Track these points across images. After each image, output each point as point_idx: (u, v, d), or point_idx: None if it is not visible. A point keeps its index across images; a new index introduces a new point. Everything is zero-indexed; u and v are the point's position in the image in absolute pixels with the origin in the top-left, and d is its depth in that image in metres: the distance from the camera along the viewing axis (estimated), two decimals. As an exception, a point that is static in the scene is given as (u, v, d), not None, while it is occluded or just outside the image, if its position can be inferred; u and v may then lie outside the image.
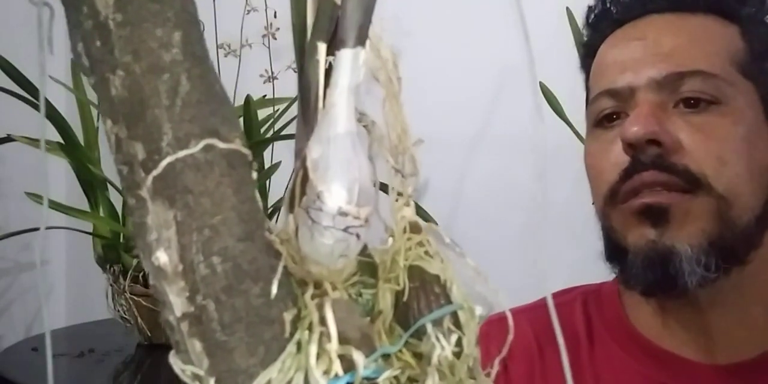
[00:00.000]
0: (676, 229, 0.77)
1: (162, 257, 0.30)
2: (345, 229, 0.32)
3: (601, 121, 0.84)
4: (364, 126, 0.35)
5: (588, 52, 0.91)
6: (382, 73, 0.35)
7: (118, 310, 1.61)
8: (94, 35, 0.31)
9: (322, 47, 0.34)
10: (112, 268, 1.61)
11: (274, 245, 0.32)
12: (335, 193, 0.31)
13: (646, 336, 0.87)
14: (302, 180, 0.32)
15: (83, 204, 1.61)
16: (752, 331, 0.82)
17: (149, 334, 1.59)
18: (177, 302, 0.31)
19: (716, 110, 0.79)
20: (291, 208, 0.33)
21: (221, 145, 0.31)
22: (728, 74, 0.80)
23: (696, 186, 0.77)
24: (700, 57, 0.80)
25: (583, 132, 0.93)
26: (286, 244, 0.32)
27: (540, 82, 1.31)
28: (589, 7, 0.91)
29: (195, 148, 0.30)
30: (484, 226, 1.55)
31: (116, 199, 1.61)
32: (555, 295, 0.94)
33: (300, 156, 0.34)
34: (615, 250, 0.83)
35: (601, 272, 0.93)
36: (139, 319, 1.58)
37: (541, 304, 0.94)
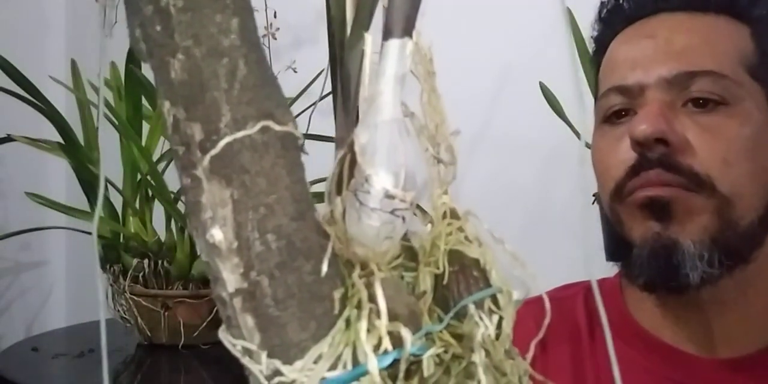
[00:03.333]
0: (679, 224, 0.78)
1: (217, 235, 0.31)
2: (391, 212, 0.33)
3: (610, 117, 0.85)
4: (404, 117, 0.36)
5: (599, 47, 0.91)
6: (422, 67, 0.36)
7: (118, 310, 1.61)
8: (154, 20, 0.32)
9: (368, 38, 0.35)
10: (112, 268, 1.61)
11: (322, 226, 0.33)
12: (383, 176, 0.32)
13: (648, 330, 0.87)
14: (350, 164, 0.33)
15: (83, 204, 1.61)
16: (753, 327, 0.83)
17: (149, 334, 1.59)
18: (230, 279, 0.32)
19: (724, 111, 0.79)
20: (338, 191, 0.34)
21: (276, 127, 0.32)
22: (737, 75, 0.80)
23: (700, 187, 0.77)
24: (710, 57, 0.81)
25: (582, 131, 0.94)
26: (333, 226, 0.33)
27: (540, 82, 1.32)
28: (602, 2, 0.91)
29: (252, 130, 0.31)
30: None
31: (116, 199, 1.62)
32: (557, 290, 0.96)
33: (341, 143, 0.35)
34: (620, 244, 0.84)
35: (600, 271, 0.94)
36: (139, 319, 1.58)
37: (542, 298, 0.95)
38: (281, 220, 0.32)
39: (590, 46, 0.94)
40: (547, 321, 0.38)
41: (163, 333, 1.58)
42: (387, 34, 0.34)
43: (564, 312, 0.93)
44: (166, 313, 1.57)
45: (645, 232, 0.80)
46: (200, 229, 0.32)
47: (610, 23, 0.90)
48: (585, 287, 0.96)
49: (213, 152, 0.31)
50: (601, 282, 0.95)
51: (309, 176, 0.37)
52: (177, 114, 0.32)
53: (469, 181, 1.60)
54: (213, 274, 0.32)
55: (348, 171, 0.33)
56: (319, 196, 0.34)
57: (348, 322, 0.32)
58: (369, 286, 0.32)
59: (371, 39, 0.35)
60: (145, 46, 0.32)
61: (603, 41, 0.90)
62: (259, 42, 0.33)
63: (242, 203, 0.31)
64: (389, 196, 0.32)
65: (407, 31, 0.34)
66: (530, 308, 0.94)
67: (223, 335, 0.33)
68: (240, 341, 0.32)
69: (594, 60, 0.92)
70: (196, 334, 1.55)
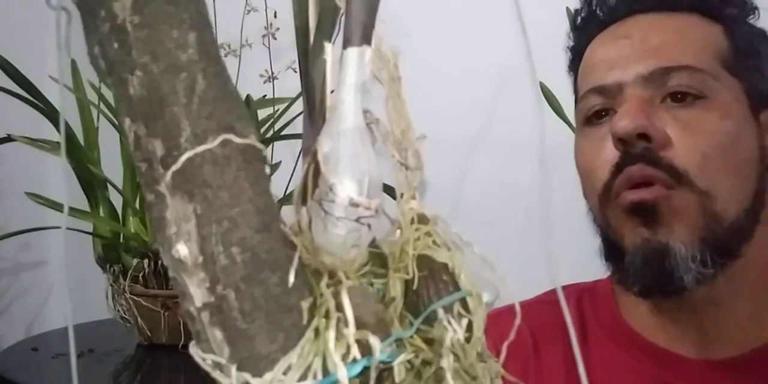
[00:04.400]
0: (667, 227, 0.78)
1: (182, 250, 0.31)
2: (357, 220, 0.33)
3: (590, 118, 0.86)
4: (368, 123, 0.36)
5: (575, 54, 0.93)
6: (385, 72, 0.37)
7: (118, 310, 1.61)
8: (111, 38, 0.32)
9: (328, 47, 0.36)
10: (112, 268, 1.62)
11: (288, 237, 0.33)
12: (346, 185, 0.33)
13: (639, 332, 0.88)
14: (314, 173, 0.34)
15: (83, 204, 1.61)
16: (744, 326, 0.84)
17: (149, 334, 1.60)
18: (197, 293, 0.32)
19: (702, 104, 0.80)
20: (303, 201, 0.34)
21: (237, 140, 0.32)
22: (714, 69, 0.81)
23: (678, 181, 0.78)
24: (686, 52, 0.82)
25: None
26: (300, 236, 0.33)
27: (540, 82, 1.32)
28: (576, 11, 0.93)
29: (213, 144, 0.31)
30: (483, 227, 1.55)
31: (116, 199, 1.62)
32: (548, 294, 0.96)
33: (307, 152, 0.36)
34: (612, 250, 0.85)
35: (600, 272, 0.94)
36: (139, 319, 1.59)
37: (538, 301, 0.95)
38: (245, 233, 0.32)
39: (567, 56, 0.95)
40: (515, 328, 0.38)
41: (163, 333, 1.58)
42: (346, 43, 0.34)
43: (556, 315, 0.91)
44: (166, 313, 1.57)
45: (635, 238, 0.80)
46: (166, 245, 0.32)
47: (585, 29, 0.91)
48: (577, 290, 0.97)
49: (174, 168, 0.31)
50: (594, 284, 0.96)
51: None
52: (138, 130, 0.32)
53: (469, 181, 1.60)
54: (180, 288, 0.32)
55: (312, 180, 0.34)
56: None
57: (317, 332, 0.32)
58: (336, 295, 0.33)
59: (332, 48, 0.35)
60: (103, 63, 0.32)
61: (579, 48, 0.92)
62: (218, 55, 0.33)
63: (205, 217, 0.32)
64: (354, 205, 0.33)
65: (366, 39, 0.34)
66: (521, 312, 0.95)
67: (194, 350, 0.33)
68: (209, 355, 0.32)
69: (571, 68, 0.94)
70: (196, 333, 1.55)
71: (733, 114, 0.81)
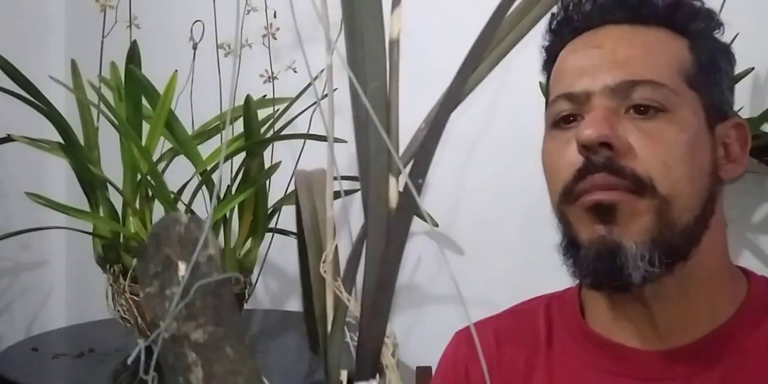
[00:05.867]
0: (623, 227, 0.84)
1: None
2: None
3: (558, 122, 0.91)
4: None
5: (549, 56, 0.98)
6: (386, 361, 0.45)
7: (118, 310, 1.61)
8: None
9: (344, 373, 0.45)
10: (112, 268, 1.61)
11: None
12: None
13: (598, 331, 0.95)
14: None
15: (83, 204, 1.61)
16: (692, 320, 0.90)
17: (149, 334, 1.59)
18: None
19: (663, 117, 0.86)
20: None
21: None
22: (676, 84, 0.87)
23: (642, 188, 0.84)
24: (651, 67, 0.87)
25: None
26: None
27: (540, 82, 1.32)
28: (552, 14, 0.97)
29: None
30: (483, 227, 1.55)
31: (116, 199, 1.62)
32: (522, 304, 1.07)
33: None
34: (569, 245, 0.90)
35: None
36: (139, 319, 1.58)
37: (509, 311, 1.07)
38: None
39: (542, 56, 0.99)
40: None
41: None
42: (358, 377, 0.44)
43: (526, 323, 1.02)
44: (166, 313, 1.56)
45: (591, 234, 0.86)
46: None
47: (560, 34, 0.96)
48: (548, 297, 1.05)
49: None
50: (564, 292, 1.04)
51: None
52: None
53: (470, 182, 1.60)
54: None
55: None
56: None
57: None
58: None
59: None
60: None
61: (553, 51, 0.97)
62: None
63: None
64: None
65: (372, 374, 0.44)
66: (492, 323, 1.03)
67: None
68: None
69: (545, 68, 0.99)
70: (195, 333, 1.54)
71: (690, 127, 0.87)
